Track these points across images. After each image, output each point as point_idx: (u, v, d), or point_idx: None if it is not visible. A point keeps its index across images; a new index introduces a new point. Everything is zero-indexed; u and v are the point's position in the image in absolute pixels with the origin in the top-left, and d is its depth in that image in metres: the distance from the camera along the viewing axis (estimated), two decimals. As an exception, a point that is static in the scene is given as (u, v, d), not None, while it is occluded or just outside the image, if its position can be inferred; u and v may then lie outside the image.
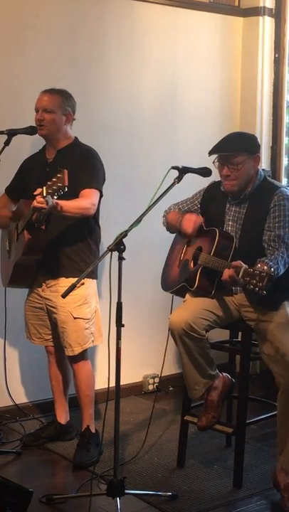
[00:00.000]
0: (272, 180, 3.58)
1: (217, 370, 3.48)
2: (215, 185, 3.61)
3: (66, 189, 3.23)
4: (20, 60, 4.16)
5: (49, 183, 3.24)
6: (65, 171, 3.21)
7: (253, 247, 3.35)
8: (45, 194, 3.24)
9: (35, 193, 3.32)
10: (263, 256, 3.24)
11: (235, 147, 3.37)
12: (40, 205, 3.29)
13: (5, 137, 3.70)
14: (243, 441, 3.49)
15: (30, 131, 3.74)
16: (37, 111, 3.72)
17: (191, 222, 3.52)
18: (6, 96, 4.13)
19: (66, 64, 4.32)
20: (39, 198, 3.28)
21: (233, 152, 3.35)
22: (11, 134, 3.71)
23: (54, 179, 3.22)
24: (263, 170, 3.50)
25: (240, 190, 3.42)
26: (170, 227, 3.70)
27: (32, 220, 3.51)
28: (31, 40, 4.19)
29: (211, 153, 3.41)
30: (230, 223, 3.47)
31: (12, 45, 4.12)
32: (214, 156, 3.42)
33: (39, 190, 3.28)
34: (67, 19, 4.31)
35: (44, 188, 3.25)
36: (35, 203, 3.31)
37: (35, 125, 3.73)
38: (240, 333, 3.65)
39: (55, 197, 3.27)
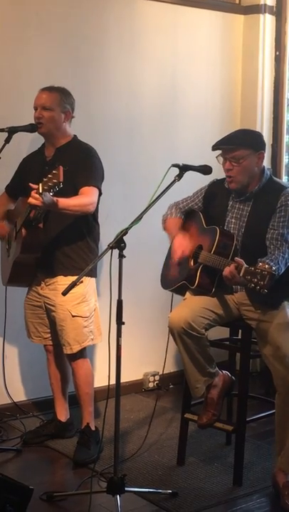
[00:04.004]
0: (279, 180, 3.58)
1: (217, 368, 3.48)
2: (217, 183, 3.60)
3: (61, 185, 3.23)
4: (20, 58, 4.15)
5: (45, 179, 3.24)
6: (61, 168, 3.21)
7: (256, 245, 3.34)
8: (41, 191, 3.24)
9: (31, 185, 3.31)
10: (265, 254, 3.24)
11: (237, 141, 3.37)
12: (35, 201, 3.29)
13: (5, 135, 3.70)
14: (243, 439, 3.49)
15: (30, 128, 3.73)
16: (36, 109, 3.71)
17: (181, 247, 3.51)
18: (6, 93, 4.12)
19: (66, 62, 4.31)
20: (34, 194, 3.28)
21: (235, 146, 3.35)
22: (12, 131, 3.70)
23: (49, 176, 3.23)
24: (268, 169, 3.49)
25: (243, 188, 3.42)
26: (167, 234, 3.71)
27: (30, 217, 3.51)
28: (31, 38, 4.18)
29: (213, 147, 3.41)
30: (233, 221, 3.46)
31: (12, 42, 4.12)
32: (218, 152, 3.42)
33: (35, 186, 3.28)
34: (67, 17, 4.31)
35: (40, 184, 3.25)
36: (30, 199, 3.31)
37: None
38: (240, 330, 3.65)
39: (51, 193, 3.27)
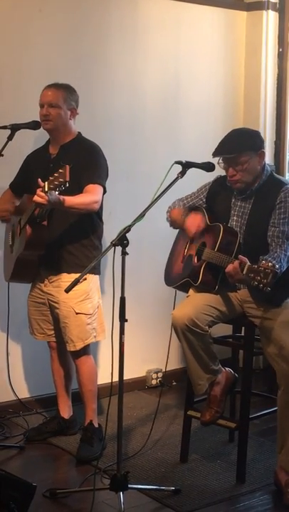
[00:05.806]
0: (279, 176, 3.56)
1: (220, 365, 3.48)
2: (220, 180, 3.59)
3: (68, 184, 3.23)
4: (23, 54, 4.15)
5: (51, 178, 3.24)
6: (67, 167, 3.21)
7: (258, 242, 3.34)
8: (46, 189, 3.25)
9: (39, 181, 3.31)
10: (267, 252, 3.24)
11: (238, 147, 3.34)
12: (40, 199, 3.30)
13: (8, 132, 3.70)
14: (246, 435, 3.49)
15: (33, 125, 3.73)
16: (42, 106, 3.70)
17: (195, 222, 3.50)
18: (9, 90, 4.12)
19: (69, 58, 4.31)
20: (40, 192, 3.28)
21: (237, 153, 3.33)
22: (15, 128, 3.71)
23: (56, 174, 3.23)
24: (269, 165, 3.48)
25: (247, 186, 3.42)
26: (173, 223, 3.69)
27: (34, 214, 3.51)
28: (34, 35, 4.17)
29: (214, 155, 3.40)
30: (235, 218, 3.46)
31: (15, 39, 4.12)
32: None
33: (41, 183, 3.28)
34: (70, 13, 4.30)
35: (46, 183, 3.25)
36: (36, 198, 3.32)
37: (38, 120, 3.73)
38: (243, 328, 3.64)
39: (57, 192, 3.27)
